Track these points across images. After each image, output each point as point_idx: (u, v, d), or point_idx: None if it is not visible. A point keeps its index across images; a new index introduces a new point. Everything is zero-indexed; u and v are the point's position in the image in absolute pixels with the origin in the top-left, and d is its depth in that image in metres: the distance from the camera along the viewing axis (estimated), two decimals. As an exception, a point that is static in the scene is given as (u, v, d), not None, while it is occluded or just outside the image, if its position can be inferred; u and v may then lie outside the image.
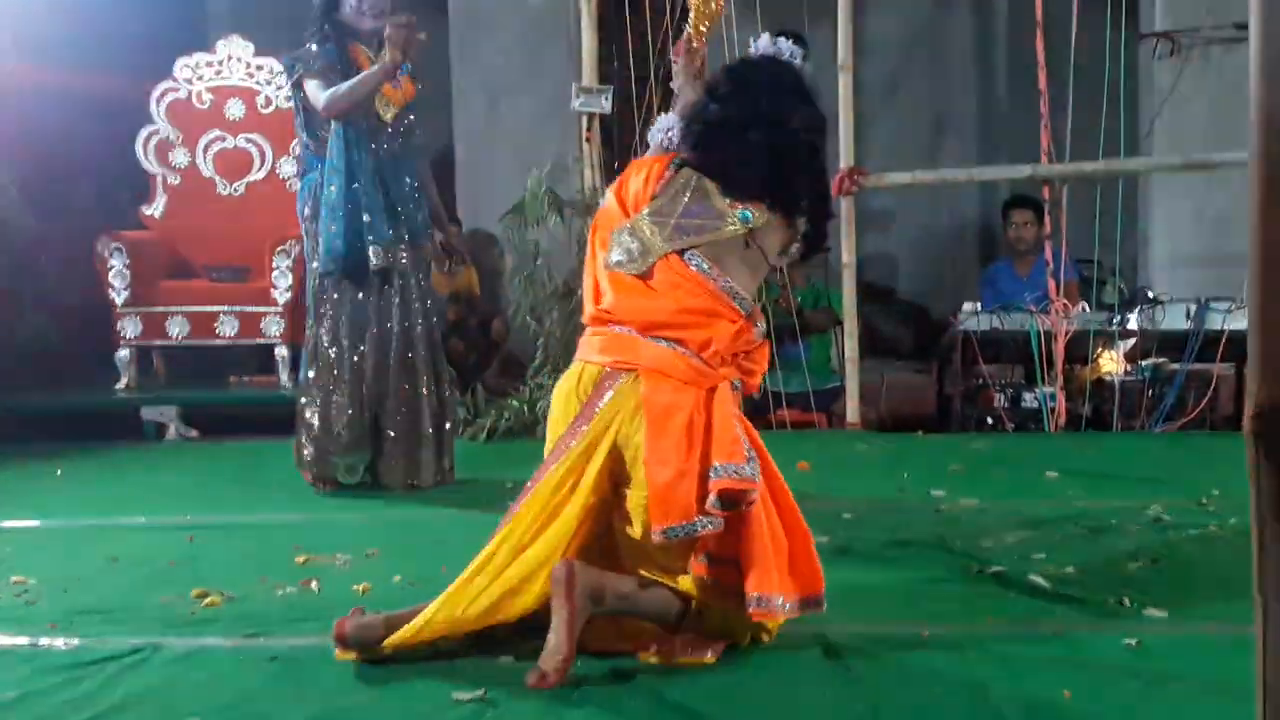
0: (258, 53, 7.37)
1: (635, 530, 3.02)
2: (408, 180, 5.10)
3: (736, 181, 3.16)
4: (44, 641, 3.23)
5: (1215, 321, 6.09)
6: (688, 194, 3.18)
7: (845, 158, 6.30)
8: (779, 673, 2.96)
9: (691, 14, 3.60)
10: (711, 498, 2.89)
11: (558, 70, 6.99)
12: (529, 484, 3.10)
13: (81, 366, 7.17)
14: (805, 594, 3.03)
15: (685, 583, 3.05)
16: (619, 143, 6.98)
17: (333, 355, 5.03)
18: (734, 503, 2.91)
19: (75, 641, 3.22)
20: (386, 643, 2.99)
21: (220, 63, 7.37)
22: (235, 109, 7.35)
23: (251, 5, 8.14)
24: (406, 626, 2.98)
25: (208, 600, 3.56)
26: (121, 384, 6.83)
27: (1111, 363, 6.18)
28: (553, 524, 3.03)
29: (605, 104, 6.67)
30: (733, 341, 3.09)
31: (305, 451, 5.09)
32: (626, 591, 3.00)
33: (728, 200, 3.15)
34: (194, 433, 6.58)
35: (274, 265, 6.77)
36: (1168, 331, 6.21)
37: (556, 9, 7.07)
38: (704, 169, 3.20)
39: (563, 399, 3.16)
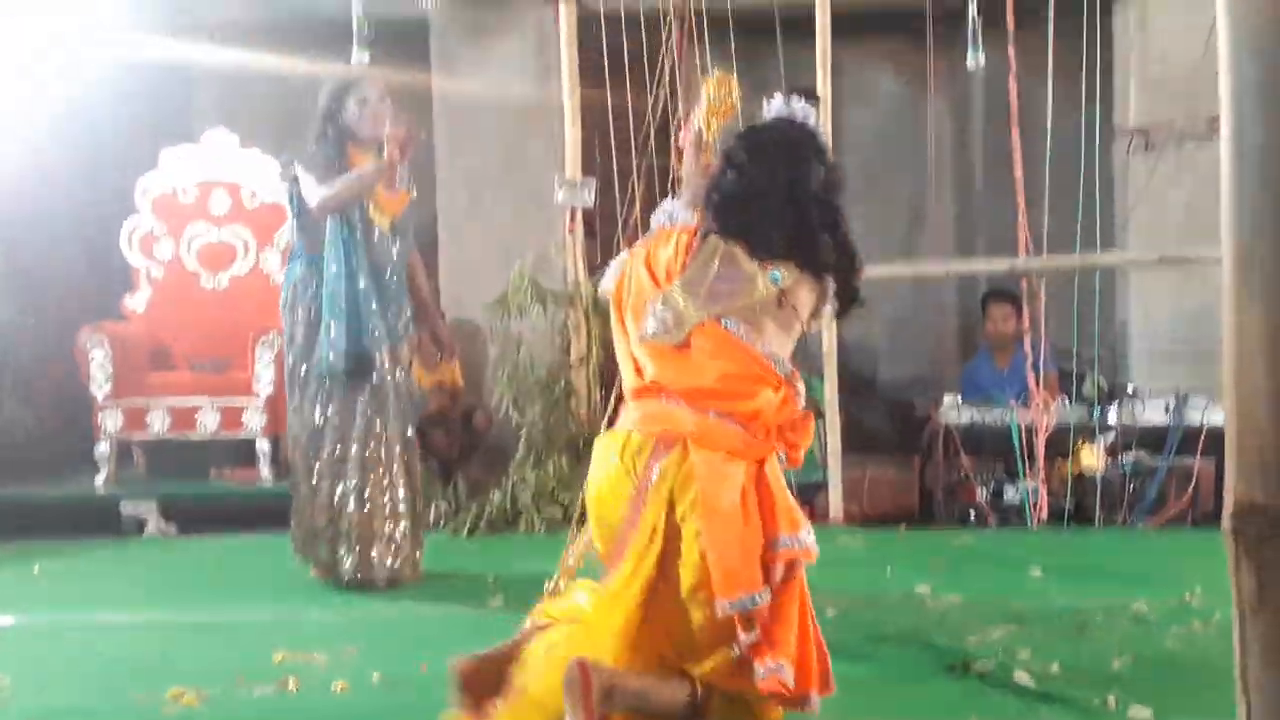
0: (243, 145, 7.42)
1: (685, 607, 3.01)
2: (394, 281, 5.14)
3: (762, 242, 3.16)
4: (16, 745, 3.20)
5: (1194, 416, 6.13)
6: (716, 260, 3.17)
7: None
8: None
9: (705, 109, 3.66)
10: (781, 568, 2.95)
11: (540, 163, 7.05)
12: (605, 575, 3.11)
13: (61, 460, 7.13)
14: (802, 687, 3.01)
15: (702, 667, 3.04)
16: (601, 234, 7.04)
17: (309, 450, 5.04)
18: (791, 574, 2.99)
19: (49, 743, 3.19)
20: None
21: (206, 154, 7.41)
22: (220, 202, 7.39)
23: (238, 98, 8.20)
24: None
25: (184, 699, 3.54)
26: (101, 478, 6.78)
27: (1092, 457, 6.19)
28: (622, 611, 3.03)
29: (588, 197, 6.73)
30: (779, 411, 3.10)
31: (301, 544, 5.11)
32: (637, 688, 3.00)
33: (756, 262, 3.15)
34: (172, 528, 6.52)
35: (256, 357, 6.77)
36: (1148, 426, 6.24)
37: (539, 103, 7.13)
38: (729, 234, 3.20)
39: (604, 462, 3.16)
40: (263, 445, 6.76)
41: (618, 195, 6.70)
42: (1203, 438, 6.01)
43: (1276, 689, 1.28)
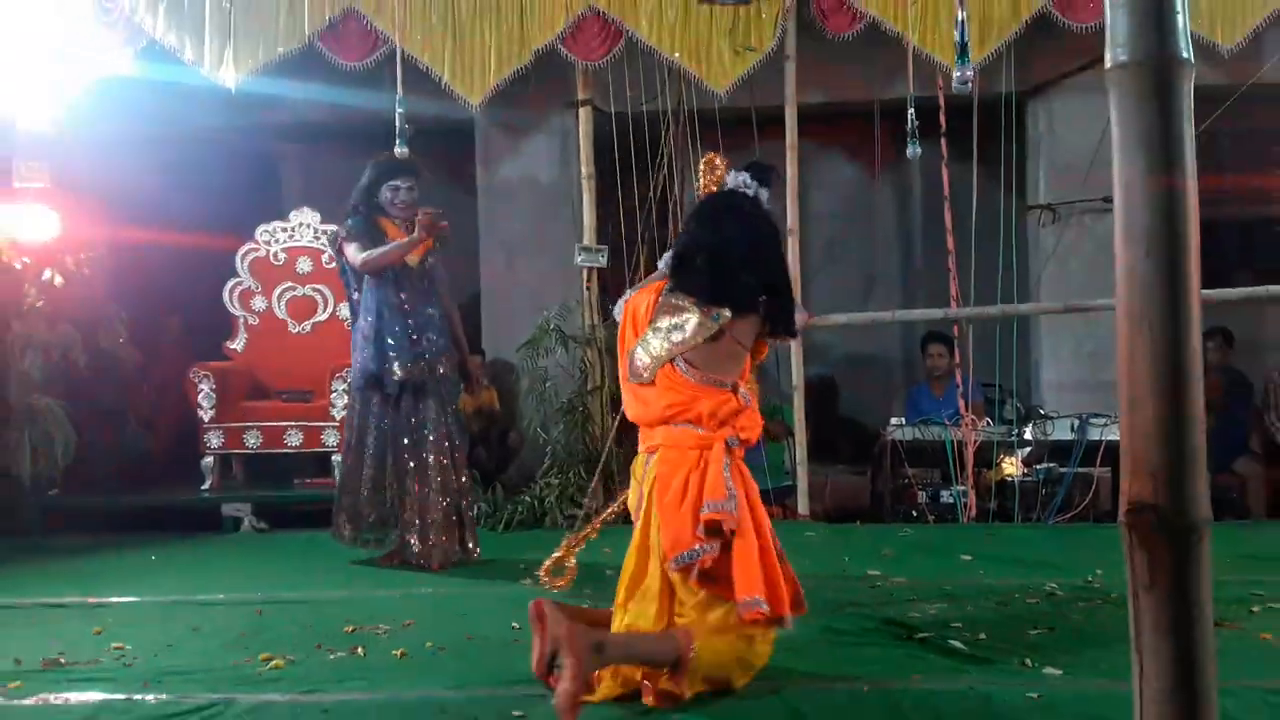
0: (324, 221, 7.45)
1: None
2: (430, 311, 5.15)
3: (700, 292, 3.28)
4: (138, 697, 3.18)
5: (1094, 434, 6.12)
6: (672, 313, 3.29)
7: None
8: (753, 713, 2.95)
9: (701, 181, 3.72)
10: (700, 527, 3.05)
11: (563, 233, 7.07)
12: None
13: (174, 471, 7.12)
14: (778, 611, 3.12)
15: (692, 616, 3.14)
16: (612, 289, 7.05)
17: (356, 452, 5.10)
18: (718, 530, 3.06)
19: (164, 697, 3.18)
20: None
21: (293, 228, 7.43)
22: (304, 265, 7.40)
23: (318, 183, 8.25)
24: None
25: (272, 663, 3.52)
26: (206, 486, 6.77)
27: (1011, 467, 6.17)
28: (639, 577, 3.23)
29: (601, 259, 6.75)
30: (715, 409, 3.21)
31: (342, 522, 5.15)
32: (624, 642, 3.07)
33: (699, 309, 3.26)
34: (264, 525, 6.51)
35: (332, 388, 6.75)
36: (1056, 441, 6.23)
37: (562, 186, 7.17)
38: (680, 289, 3.32)
39: (632, 479, 3.37)
40: (337, 458, 6.70)
41: (625, 259, 6.73)
42: (1101, 451, 6.00)
43: (1164, 652, 1.28)
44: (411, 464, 5.04)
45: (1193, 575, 1.25)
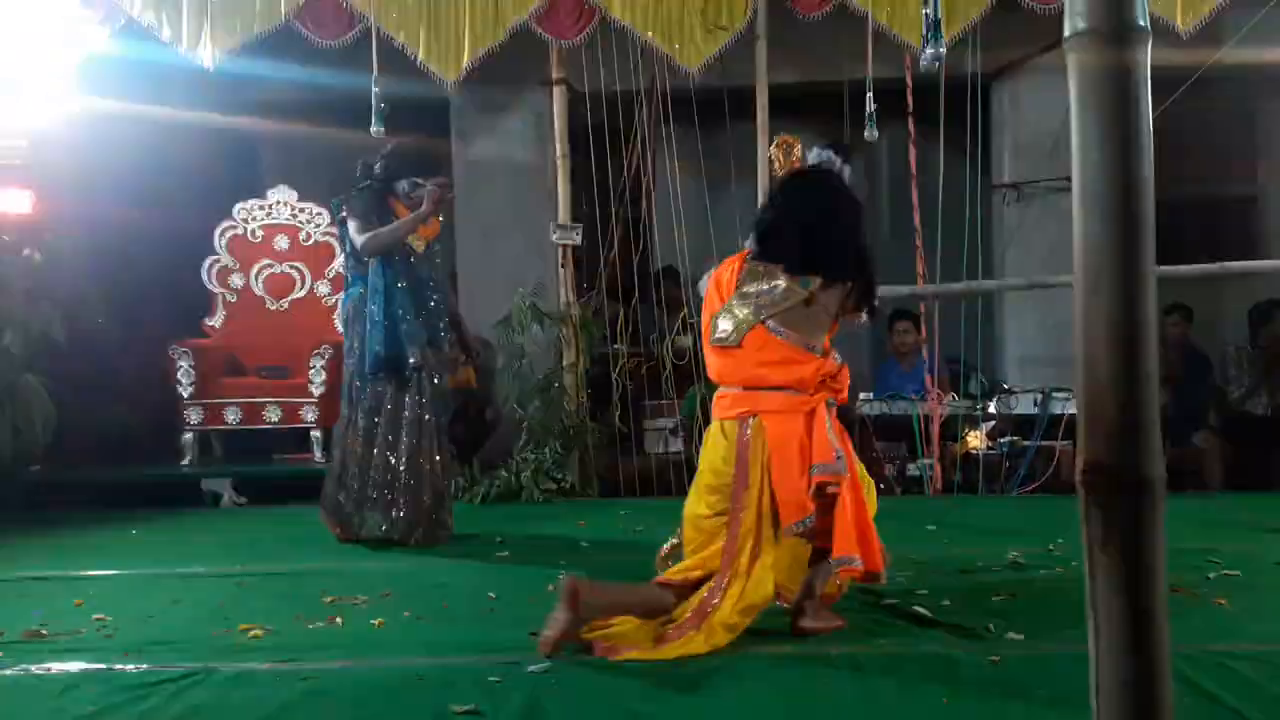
0: (301, 199, 7.40)
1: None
2: (434, 298, 5.07)
3: (790, 260, 3.35)
4: (118, 666, 3.17)
5: (1057, 407, 6.16)
6: (759, 280, 3.38)
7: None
8: (727, 674, 2.98)
9: (779, 160, 3.82)
10: (811, 488, 3.19)
11: (539, 211, 7.05)
12: (729, 522, 3.29)
13: (154, 447, 7.07)
14: (871, 568, 3.33)
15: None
16: (587, 267, 7.04)
17: (356, 434, 4.99)
18: (822, 491, 3.21)
19: (144, 666, 3.16)
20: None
21: (271, 206, 7.38)
22: (282, 242, 7.35)
23: (299, 160, 8.18)
24: (672, 646, 3.13)
25: (252, 633, 3.51)
26: (186, 461, 6.73)
27: (976, 440, 6.21)
28: (759, 547, 3.26)
29: (576, 237, 6.73)
30: (816, 374, 3.30)
31: (331, 508, 5.06)
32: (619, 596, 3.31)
33: (788, 276, 3.34)
34: (244, 500, 6.49)
35: (311, 365, 6.72)
36: (1020, 415, 6.27)
37: (538, 165, 7.14)
38: (766, 258, 3.40)
39: (712, 439, 3.40)
40: (315, 434, 6.71)
41: (599, 237, 6.71)
42: (1063, 424, 6.05)
43: (1117, 609, 1.29)
44: (393, 441, 4.96)
45: (1147, 532, 1.25)
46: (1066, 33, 1.26)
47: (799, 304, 3.32)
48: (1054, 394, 6.20)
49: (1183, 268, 5.66)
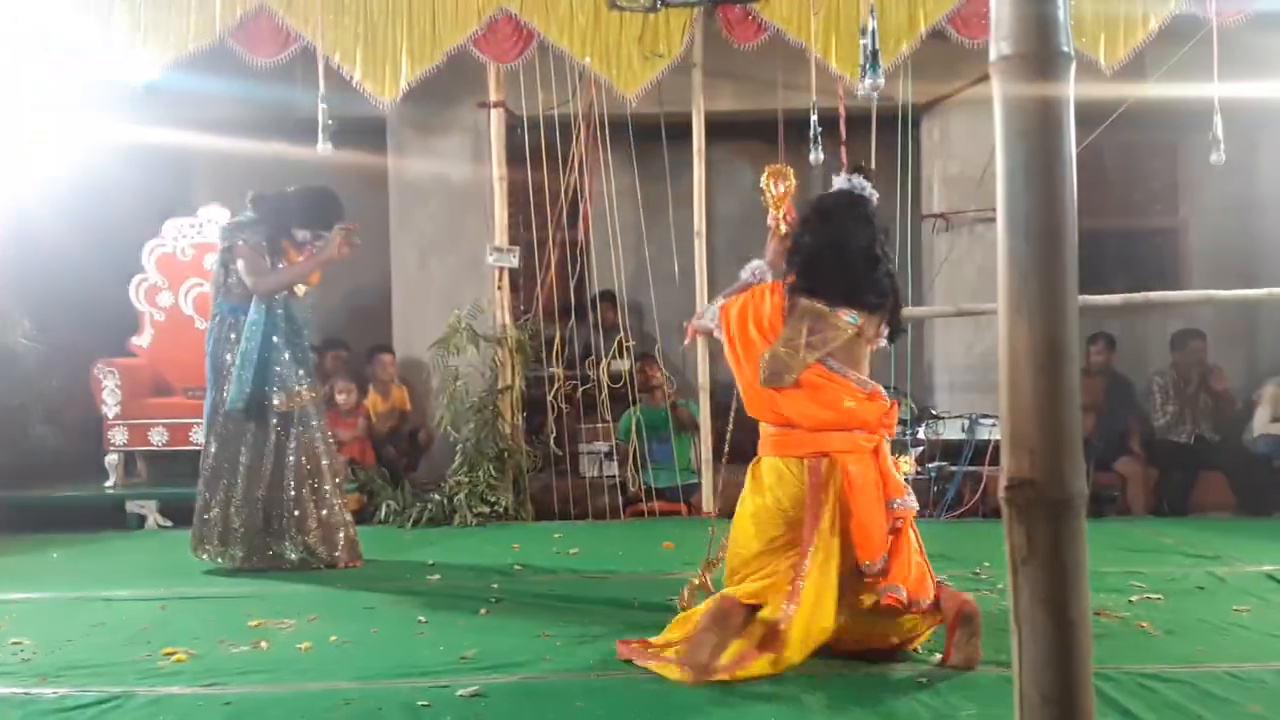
0: (232, 217, 7.27)
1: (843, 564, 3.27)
2: (307, 345, 5.08)
3: (836, 294, 3.34)
4: (35, 691, 3.08)
5: (984, 433, 6.24)
6: (807, 318, 3.34)
7: (700, 304, 6.38)
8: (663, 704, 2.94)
9: (775, 189, 3.73)
10: (894, 522, 3.25)
11: (475, 232, 7.01)
12: (801, 560, 3.28)
13: (78, 468, 6.90)
14: (916, 596, 3.28)
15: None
16: (525, 290, 7.02)
17: (228, 471, 4.91)
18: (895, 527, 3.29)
19: (61, 691, 3.08)
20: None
21: (201, 224, 7.26)
22: (212, 261, 7.20)
23: (231, 178, 8.05)
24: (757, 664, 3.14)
25: (175, 657, 3.43)
26: (110, 482, 6.58)
27: (905, 465, 6.26)
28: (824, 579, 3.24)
29: (513, 260, 6.71)
30: (883, 417, 3.35)
31: (203, 538, 4.97)
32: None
33: (832, 310, 3.33)
34: (169, 523, 6.34)
35: (241, 386, 6.61)
36: (948, 440, 6.35)
37: (474, 185, 7.11)
38: (809, 292, 3.36)
39: (782, 480, 3.34)
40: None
41: (537, 259, 6.70)
42: (990, 449, 6.13)
43: (1041, 622, 1.31)
44: (285, 473, 4.89)
45: (1069, 547, 1.27)
46: (992, 57, 1.29)
47: (852, 337, 3.34)
48: (980, 420, 6.28)
49: (1106, 296, 5.78)
